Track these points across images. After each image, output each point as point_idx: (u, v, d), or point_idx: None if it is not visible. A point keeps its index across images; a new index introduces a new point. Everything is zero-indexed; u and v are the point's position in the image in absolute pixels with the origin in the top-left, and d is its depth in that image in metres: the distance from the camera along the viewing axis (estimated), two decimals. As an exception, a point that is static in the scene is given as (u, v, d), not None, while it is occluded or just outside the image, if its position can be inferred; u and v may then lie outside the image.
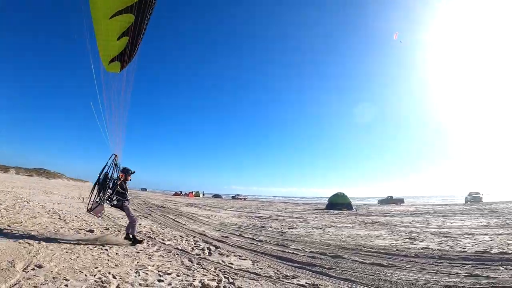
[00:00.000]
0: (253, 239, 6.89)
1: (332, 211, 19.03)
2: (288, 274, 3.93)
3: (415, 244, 6.68)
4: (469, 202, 30.59)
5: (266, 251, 5.49)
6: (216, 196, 50.54)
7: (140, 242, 4.94)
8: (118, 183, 4.63)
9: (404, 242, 6.91)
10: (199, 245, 5.67)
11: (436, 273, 4.37)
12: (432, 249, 6.19)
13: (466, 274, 4.25)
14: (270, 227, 9.71)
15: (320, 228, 9.73)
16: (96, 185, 4.53)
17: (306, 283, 3.59)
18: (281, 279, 3.72)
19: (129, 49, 4.10)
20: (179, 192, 47.02)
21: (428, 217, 14.81)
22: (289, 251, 5.56)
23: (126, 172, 4.94)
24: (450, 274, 4.32)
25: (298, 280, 3.67)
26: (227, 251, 5.32)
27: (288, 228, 9.47)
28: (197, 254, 4.91)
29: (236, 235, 7.41)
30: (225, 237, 6.94)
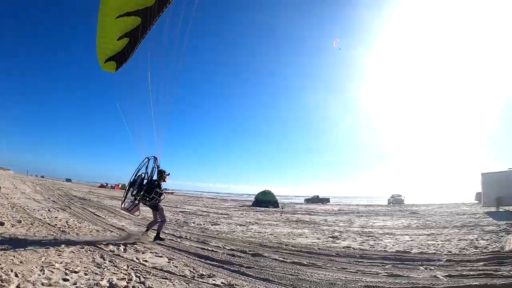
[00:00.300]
0: (173, 235, 10.40)
1: (258, 208, 29.54)
2: (204, 273, 5.84)
3: (337, 243, 10.42)
4: (391, 204, 46.85)
5: (185, 248, 8.20)
6: (144, 189, 69.57)
7: (162, 239, 8.77)
8: (161, 184, 8.85)
9: (327, 241, 10.79)
10: (115, 240, 8.69)
11: (356, 272, 6.44)
12: (353, 248, 9.37)
13: (386, 274, 6.42)
14: (193, 222, 14.51)
15: (244, 225, 14.69)
16: (132, 186, 8.58)
17: (222, 283, 5.33)
18: (196, 278, 5.53)
19: (127, 51, 6.97)
20: (105, 184, 69.36)
21: (352, 216, 22.25)
22: (209, 248, 8.31)
23: (162, 174, 8.89)
24: (370, 273, 6.43)
25: (214, 280, 5.47)
26: (144, 247, 7.97)
27: (212, 225, 14.13)
28: (111, 251, 7.26)
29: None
30: (144, 232, 9.68)
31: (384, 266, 7.13)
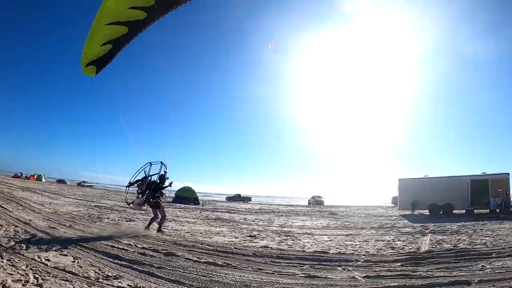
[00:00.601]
0: (83, 231, 10.31)
1: (178, 204, 29.58)
2: (111, 274, 5.69)
3: (255, 242, 10.42)
4: (311, 205, 49.16)
5: (94, 245, 8.04)
6: (60, 181, 75.32)
7: (163, 232, 10.81)
8: (165, 187, 11.22)
9: (244, 240, 10.80)
10: (18, 236, 8.49)
11: (273, 273, 6.31)
12: (271, 248, 9.34)
13: (304, 275, 6.36)
14: (107, 218, 14.44)
15: None
16: (141, 186, 10.60)
17: (129, 285, 5.24)
18: (100, 280, 5.37)
19: (107, 57, 7.81)
20: (19, 174, 66.83)
21: (272, 216, 22.72)
22: (120, 246, 8.16)
23: (164, 178, 11.11)
24: (287, 274, 6.33)
25: (119, 282, 5.35)
26: (49, 244, 7.85)
27: (126, 220, 14.15)
28: (11, 248, 7.16)
29: (66, 225, 11.01)
30: (53, 227, 10.17)
31: (302, 266, 7.09)
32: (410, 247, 9.65)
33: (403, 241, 11.03)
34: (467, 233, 12.48)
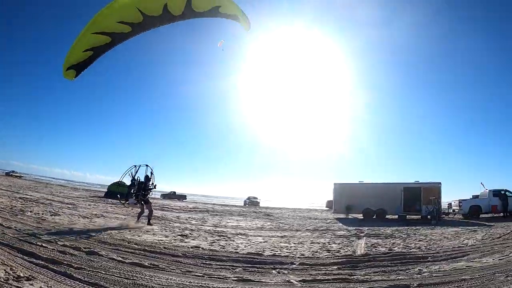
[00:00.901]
0: (1, 224, 9.77)
1: (110, 200, 28.87)
2: (23, 275, 5.21)
3: (186, 242, 10.10)
4: (247, 205, 49.38)
5: (10, 241, 7.58)
6: (-16, 170, 72.97)
7: (152, 225, 13.07)
8: (152, 187, 13.65)
9: (175, 239, 10.46)
10: None
11: (202, 276, 5.98)
12: (203, 248, 9.03)
13: (236, 278, 6.05)
14: (30, 211, 13.89)
15: (88, 218, 14.38)
16: (133, 187, 13.19)
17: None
18: (10, 281, 4.87)
19: (87, 62, 8.38)
20: None
21: (206, 215, 22.48)
22: (38, 243, 7.73)
23: (149, 178, 13.49)
24: (218, 278, 6.00)
25: (31, 284, 4.92)
26: None
27: (51, 215, 13.71)
28: None
29: (-20, 218, 10.72)
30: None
31: (235, 269, 6.82)
32: (346, 250, 9.73)
33: (339, 244, 11.14)
34: (401, 237, 12.96)
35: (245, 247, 9.76)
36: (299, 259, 8.17)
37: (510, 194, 22.98)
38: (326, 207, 51.37)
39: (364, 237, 12.87)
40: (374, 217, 24.56)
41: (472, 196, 25.19)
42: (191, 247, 9.06)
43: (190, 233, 12.08)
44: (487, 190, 23.97)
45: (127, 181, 14.36)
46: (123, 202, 14.37)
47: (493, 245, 10.57)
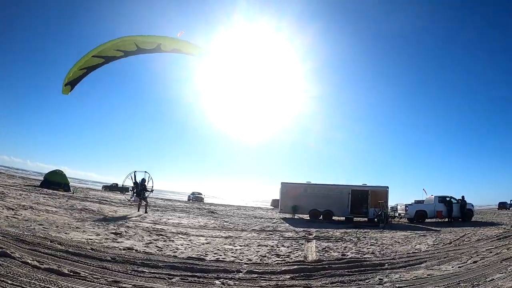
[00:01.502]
0: None
1: (45, 190, 26.89)
2: None
3: (119, 242, 8.97)
4: (191, 201, 48.06)
5: None
6: None
7: (147, 212, 18.43)
8: (150, 189, 19.54)
9: (107, 239, 9.24)
10: None
11: None
12: (136, 250, 7.89)
13: None
14: None
15: (13, 209, 12.41)
16: (135, 190, 18.95)
17: None
18: None
19: (79, 78, 9.41)
20: None
21: (147, 209, 20.26)
22: None
23: (145, 181, 19.28)
24: None
25: None
26: None
27: None
28: None
29: None
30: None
31: (171, 279, 5.74)
32: (297, 255, 8.90)
33: (288, 247, 10.33)
34: (352, 241, 12.42)
35: (185, 249, 8.69)
36: (246, 265, 7.20)
37: (455, 201, 23.56)
38: (271, 205, 51.34)
39: (314, 240, 12.16)
40: (321, 218, 24.28)
41: (415, 201, 25.75)
42: (124, 249, 7.89)
43: (125, 231, 10.81)
44: (433, 196, 24.45)
45: (130, 182, 19.37)
46: (129, 199, 20.21)
47: (447, 251, 10.21)
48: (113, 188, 55.64)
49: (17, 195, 17.87)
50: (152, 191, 19.33)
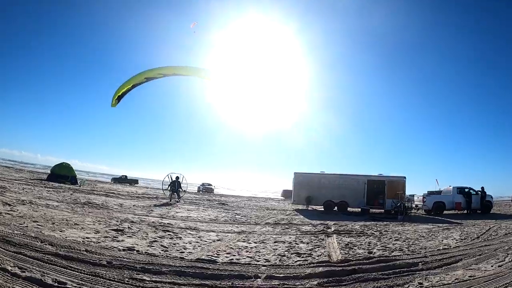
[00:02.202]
0: None
1: (51, 183, 26.29)
2: None
3: (119, 241, 7.96)
4: (201, 192, 47.18)
5: None
6: None
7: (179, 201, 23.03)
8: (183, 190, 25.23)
9: (106, 237, 8.23)
10: None
11: None
12: (138, 251, 6.91)
13: None
14: None
15: (10, 205, 11.47)
16: (170, 188, 22.99)
17: None
18: None
19: (125, 93, 10.68)
20: None
21: (155, 202, 20.38)
22: None
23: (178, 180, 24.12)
24: None
25: None
26: None
27: None
28: None
29: None
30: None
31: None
32: (319, 253, 7.90)
33: (307, 243, 9.33)
34: (374, 235, 11.39)
35: (194, 248, 7.71)
36: (264, 268, 6.21)
37: (474, 192, 22.50)
38: (281, 196, 50.36)
39: (334, 234, 11.13)
40: (335, 209, 23.25)
41: (428, 192, 24.50)
42: (123, 250, 6.92)
43: (128, 227, 9.87)
44: (451, 187, 23.32)
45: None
46: (169, 195, 22.64)
47: (478, 247, 9.16)
48: (122, 180, 56.02)
49: (19, 190, 17.12)
50: (185, 191, 25.43)
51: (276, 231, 11.65)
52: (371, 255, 7.95)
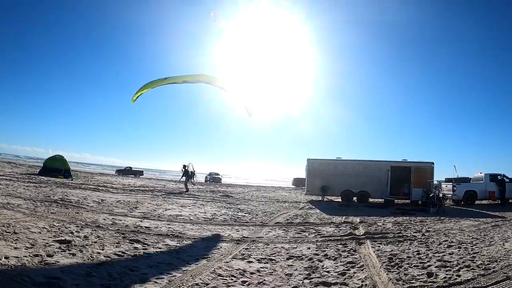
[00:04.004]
0: None
1: (40, 177, 24.19)
2: None
3: (49, 263, 5.17)
4: (208, 182, 45.09)
5: None
6: None
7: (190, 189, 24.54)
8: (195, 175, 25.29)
9: (37, 255, 5.50)
10: None
11: None
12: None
13: None
14: None
15: None
16: (185, 177, 23.64)
17: None
18: None
19: (144, 93, 11.55)
20: None
21: (148, 195, 17.68)
22: None
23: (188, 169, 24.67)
24: None
25: None
26: None
27: None
28: None
29: None
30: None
31: None
32: (358, 281, 4.90)
33: (335, 259, 6.37)
34: (418, 239, 8.45)
35: (156, 280, 4.72)
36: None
37: (508, 180, 19.58)
38: (292, 184, 47.27)
39: (367, 240, 8.10)
40: (355, 200, 20.18)
41: (445, 179, 21.35)
42: (46, 280, 4.30)
43: (85, 236, 7.10)
44: (482, 174, 20.33)
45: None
46: (186, 183, 23.33)
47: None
48: (126, 172, 54.04)
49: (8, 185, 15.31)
50: (194, 182, 25.51)
51: (289, 236, 8.66)
52: (433, 279, 5.04)
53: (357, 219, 12.08)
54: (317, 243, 7.72)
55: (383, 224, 11.07)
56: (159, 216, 10.72)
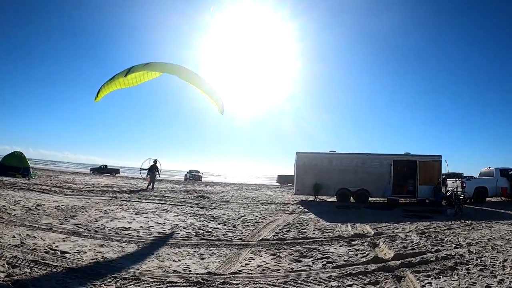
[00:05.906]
0: None
1: None
2: None
3: None
4: (188, 180, 42.04)
5: None
6: None
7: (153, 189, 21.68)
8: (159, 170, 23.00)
9: None
10: None
11: None
12: None
13: None
14: None
15: None
16: (148, 171, 22.07)
17: None
18: None
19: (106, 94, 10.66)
20: None
21: (105, 198, 14.37)
22: None
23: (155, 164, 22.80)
24: None
25: None
26: None
27: None
28: None
29: None
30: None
31: None
32: None
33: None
34: (471, 261, 5.45)
35: None
36: None
37: (519, 174, 17.32)
38: (277, 182, 44.31)
39: (407, 272, 4.97)
40: (352, 200, 17.26)
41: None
42: None
43: None
44: (492, 168, 18.20)
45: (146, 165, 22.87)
46: (145, 178, 23.04)
47: None
48: (101, 170, 51.15)
49: None
50: (159, 174, 22.80)
51: (283, 268, 5.40)
52: None
53: (368, 228, 9.06)
54: (332, 286, 4.53)
55: (405, 235, 8.02)
56: (96, 231, 7.43)
